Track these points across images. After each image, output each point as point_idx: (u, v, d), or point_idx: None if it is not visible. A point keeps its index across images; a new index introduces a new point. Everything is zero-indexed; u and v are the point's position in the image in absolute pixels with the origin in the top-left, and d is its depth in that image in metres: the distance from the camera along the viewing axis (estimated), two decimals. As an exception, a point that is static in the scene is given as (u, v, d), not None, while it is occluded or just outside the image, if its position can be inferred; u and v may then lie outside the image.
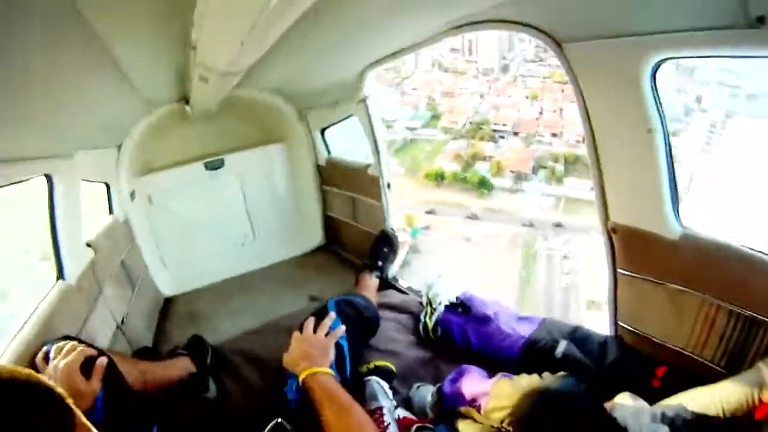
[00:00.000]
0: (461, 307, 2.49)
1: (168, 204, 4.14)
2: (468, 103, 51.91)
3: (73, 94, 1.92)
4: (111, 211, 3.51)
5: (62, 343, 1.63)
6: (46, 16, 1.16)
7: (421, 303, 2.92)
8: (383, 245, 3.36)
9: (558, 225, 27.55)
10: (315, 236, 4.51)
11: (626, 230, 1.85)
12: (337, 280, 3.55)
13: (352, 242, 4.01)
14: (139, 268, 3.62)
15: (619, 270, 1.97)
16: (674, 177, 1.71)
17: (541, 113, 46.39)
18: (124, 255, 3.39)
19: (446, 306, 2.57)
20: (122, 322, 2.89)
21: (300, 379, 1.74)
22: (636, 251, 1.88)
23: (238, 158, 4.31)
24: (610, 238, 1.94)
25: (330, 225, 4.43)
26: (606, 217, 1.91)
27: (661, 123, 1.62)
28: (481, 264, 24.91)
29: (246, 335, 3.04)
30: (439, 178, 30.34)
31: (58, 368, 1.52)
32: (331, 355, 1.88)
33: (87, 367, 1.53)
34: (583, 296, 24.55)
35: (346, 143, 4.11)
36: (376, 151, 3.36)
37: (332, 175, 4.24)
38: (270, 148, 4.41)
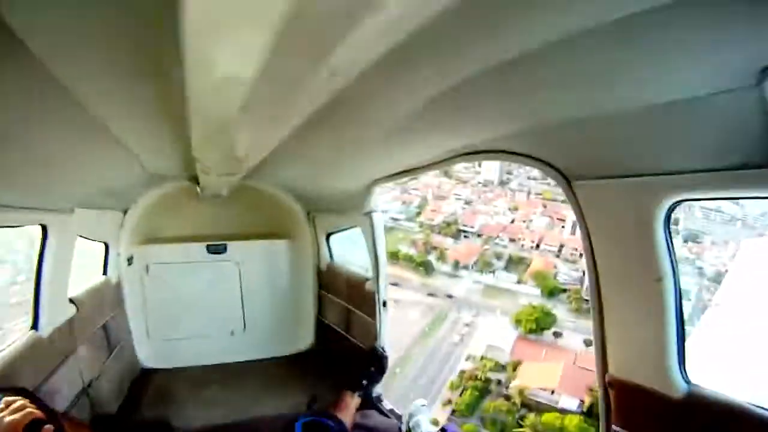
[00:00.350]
0: None
1: (164, 277, 4.17)
2: (452, 206, 62.01)
3: (64, 156, 1.88)
4: (105, 272, 3.60)
5: (13, 398, 1.53)
6: (29, 88, 1.16)
7: (400, 429, 2.92)
8: (371, 365, 3.23)
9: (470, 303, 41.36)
10: (306, 339, 4.50)
11: (625, 385, 1.69)
12: (320, 389, 3.44)
13: (342, 353, 3.97)
14: (121, 334, 3.65)
15: (613, 427, 1.78)
16: (683, 329, 1.56)
17: (512, 222, 56.42)
18: (109, 318, 3.43)
19: None
20: (89, 384, 2.87)
21: None
22: (634, 408, 1.70)
23: (241, 247, 4.40)
24: (606, 392, 1.78)
25: (322, 331, 4.41)
26: (604, 369, 1.76)
27: (673, 271, 1.49)
28: (400, 319, 34.82)
29: (212, 429, 3.04)
30: (394, 256, 41.96)
31: (2, 423, 1.45)
32: None
33: (32, 429, 1.44)
34: (466, 351, 36.19)
35: (352, 249, 4.12)
36: (376, 267, 3.39)
37: (331, 282, 4.29)
38: (275, 243, 4.50)
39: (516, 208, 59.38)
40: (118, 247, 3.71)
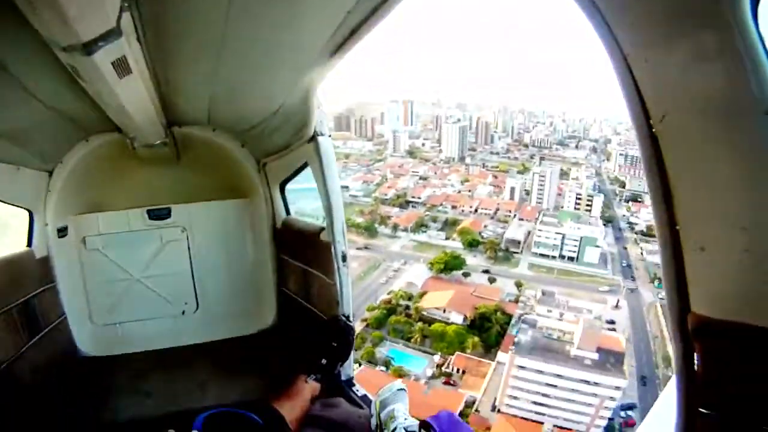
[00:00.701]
0: None
1: (104, 251, 3.57)
2: (407, 181, 72.37)
3: None
4: (29, 244, 3.08)
5: None
6: None
7: (370, 423, 2.15)
8: (331, 338, 2.60)
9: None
10: (267, 315, 3.81)
11: (723, 326, 1.01)
12: (280, 374, 2.67)
13: (307, 329, 3.28)
14: (50, 315, 3.10)
15: (700, 386, 1.10)
16: None
17: (458, 192, 66.80)
18: (32, 296, 2.92)
19: None
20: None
21: None
22: (736, 358, 1.03)
23: (186, 210, 3.73)
24: (685, 343, 1.09)
25: (285, 303, 3.73)
26: (681, 310, 1.08)
27: None
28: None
29: (143, 424, 2.67)
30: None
31: None
32: None
33: None
34: (390, 288, 50.12)
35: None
36: (329, 210, 2.68)
37: (288, 241, 3.63)
38: (224, 203, 3.82)
39: (466, 180, 70.23)
40: (45, 215, 3.14)
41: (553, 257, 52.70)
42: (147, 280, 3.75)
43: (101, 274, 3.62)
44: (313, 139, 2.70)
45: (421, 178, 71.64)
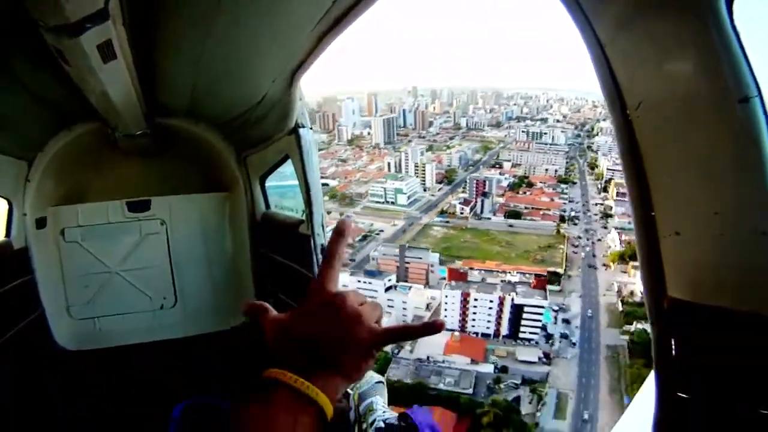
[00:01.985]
0: None
1: (83, 243, 3.37)
2: (328, 163, 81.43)
3: None
4: (8, 234, 2.88)
5: None
6: None
7: (348, 417, 1.97)
8: None
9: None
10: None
11: (700, 311, 0.98)
12: (258, 370, 1.92)
13: None
14: (27, 309, 2.88)
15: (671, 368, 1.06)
16: None
17: (357, 168, 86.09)
18: (7, 289, 2.72)
19: (382, 428, 1.70)
20: None
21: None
22: (708, 342, 1.00)
23: (167, 202, 3.53)
24: (661, 326, 1.06)
25: (263, 297, 3.46)
26: (657, 292, 1.06)
27: (756, 85, 0.86)
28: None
29: (121, 419, 2.51)
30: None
31: None
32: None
33: None
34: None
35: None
36: (309, 203, 2.55)
37: (267, 235, 3.46)
38: (204, 196, 3.64)
39: (371, 161, 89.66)
40: (24, 205, 2.93)
41: (378, 202, 70.27)
42: (126, 273, 3.51)
43: (79, 267, 3.36)
44: (294, 131, 2.55)
45: (340, 160, 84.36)
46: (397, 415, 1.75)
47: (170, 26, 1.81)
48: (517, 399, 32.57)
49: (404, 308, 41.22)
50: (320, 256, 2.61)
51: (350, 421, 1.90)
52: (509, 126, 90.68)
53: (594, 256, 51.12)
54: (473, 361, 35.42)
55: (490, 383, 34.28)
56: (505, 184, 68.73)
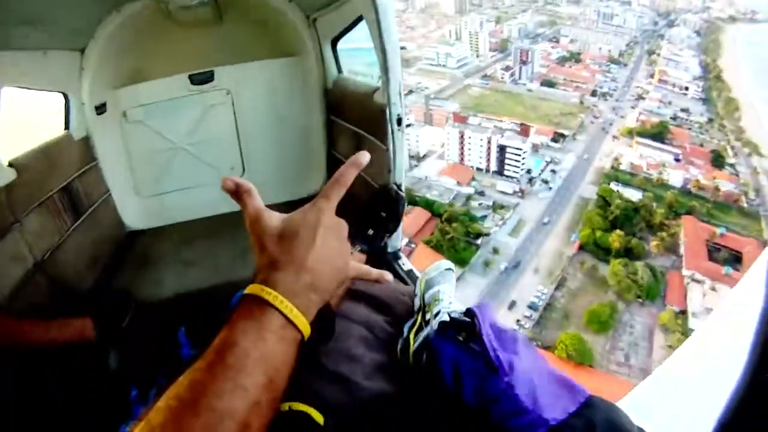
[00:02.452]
0: (467, 333, 1.33)
1: (147, 122, 3.10)
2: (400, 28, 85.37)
3: None
4: (67, 126, 2.64)
5: None
6: None
7: (413, 303, 1.75)
8: (379, 207, 2.40)
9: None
10: (316, 179, 3.37)
11: None
12: None
13: (355, 196, 2.16)
14: (94, 195, 2.71)
15: None
16: None
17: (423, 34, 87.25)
18: (73, 179, 2.57)
19: (446, 322, 1.41)
20: (44, 258, 2.20)
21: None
22: None
23: (231, 72, 3.15)
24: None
25: (334, 167, 3.04)
26: None
27: None
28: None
29: (188, 296, 2.35)
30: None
31: None
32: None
33: None
34: None
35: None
36: (386, 71, 2.14)
37: (340, 102, 3.08)
38: (272, 62, 3.22)
39: (439, 28, 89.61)
40: (81, 94, 2.72)
41: (431, 64, 69.28)
42: (191, 147, 3.29)
43: (144, 146, 3.16)
44: None
45: (408, 27, 77.94)
46: (463, 309, 1.47)
47: None
48: (484, 217, 39.19)
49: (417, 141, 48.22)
50: (395, 127, 2.27)
51: (414, 308, 1.71)
52: (588, 4, 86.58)
53: (610, 125, 54.62)
54: (458, 184, 42.07)
55: (464, 200, 41.29)
56: (554, 57, 70.30)
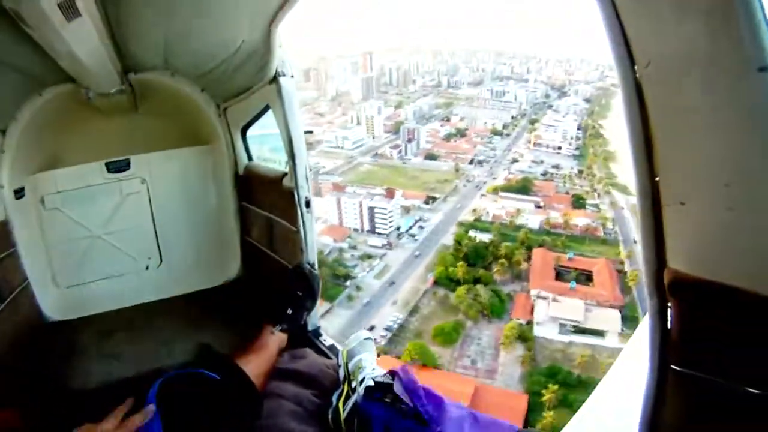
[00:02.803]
0: (390, 394, 1.56)
1: (64, 209, 3.02)
2: (305, 115, 79.72)
3: None
4: None
5: None
6: None
7: (338, 373, 1.94)
8: (296, 287, 2.40)
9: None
10: (232, 267, 3.38)
11: (700, 286, 0.92)
12: (246, 326, 2.37)
13: (271, 278, 2.92)
14: (12, 283, 2.65)
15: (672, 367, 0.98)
16: None
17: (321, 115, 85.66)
18: None
19: (371, 387, 1.64)
20: None
21: None
22: (713, 322, 0.95)
23: (146, 160, 3.17)
24: (661, 301, 0.99)
25: (248, 253, 3.30)
26: (658, 264, 0.98)
27: None
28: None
29: (111, 387, 2.26)
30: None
31: None
32: None
33: None
34: None
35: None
36: (292, 155, 2.32)
37: (251, 188, 3.16)
38: (185, 151, 3.28)
39: (343, 114, 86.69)
40: (1, 177, 2.66)
41: (331, 146, 75.19)
42: (109, 236, 3.22)
43: (62, 234, 3.04)
44: (275, 80, 2.31)
45: (317, 113, 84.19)
46: (385, 372, 1.67)
47: None
48: (355, 265, 45.31)
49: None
50: (304, 209, 2.43)
51: (340, 378, 1.84)
52: (486, 84, 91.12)
53: (483, 185, 58.15)
54: (335, 241, 48.27)
55: (337, 252, 47.01)
56: (442, 134, 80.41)
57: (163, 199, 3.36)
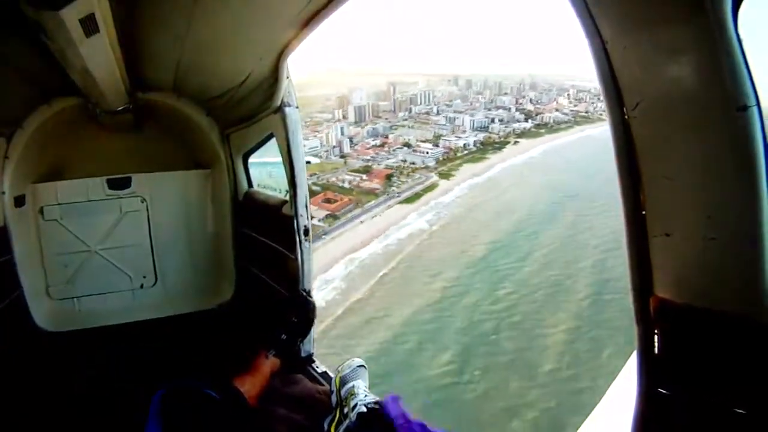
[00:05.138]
0: (381, 421, 1.61)
1: (62, 222, 2.98)
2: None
3: None
4: None
5: None
6: None
7: (331, 399, 1.98)
8: (291, 314, 2.43)
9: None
10: (226, 291, 3.36)
11: (684, 311, 0.97)
12: (239, 349, 2.38)
13: (263, 301, 2.94)
14: (6, 289, 2.52)
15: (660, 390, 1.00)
16: None
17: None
18: None
19: (364, 413, 1.69)
20: None
21: None
22: (698, 345, 1.00)
23: (148, 180, 3.17)
24: (646, 326, 1.04)
25: (243, 277, 3.29)
26: (643, 291, 1.03)
27: (755, 95, 0.83)
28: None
29: (101, 401, 2.22)
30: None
31: None
32: None
33: None
34: None
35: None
36: (293, 183, 2.36)
37: (250, 214, 3.17)
38: (187, 173, 3.30)
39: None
40: (3, 183, 2.63)
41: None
42: (105, 252, 3.18)
43: (59, 246, 3.00)
44: (280, 110, 2.35)
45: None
46: (377, 398, 1.72)
47: (156, 3, 1.63)
48: None
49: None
50: (303, 237, 2.47)
51: (332, 404, 1.87)
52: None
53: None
54: None
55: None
56: (369, 145, 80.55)
57: (161, 219, 3.36)
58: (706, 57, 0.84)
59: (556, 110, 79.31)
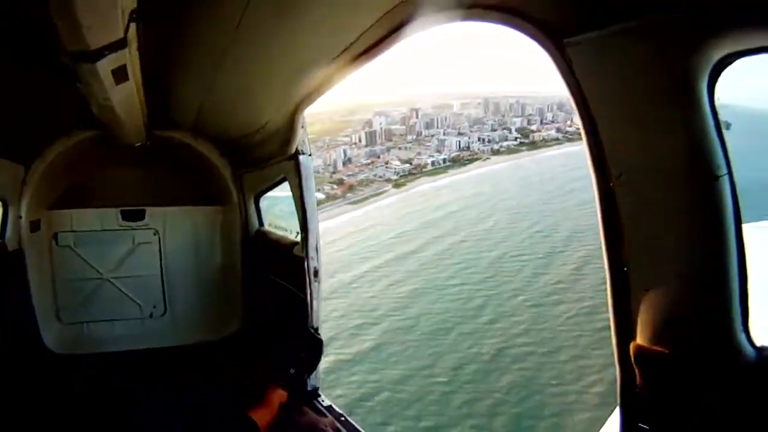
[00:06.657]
0: None
1: (76, 248, 3.12)
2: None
3: None
4: (2, 236, 2.66)
5: None
6: None
7: (339, 430, 2.09)
8: (299, 349, 2.54)
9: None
10: (233, 323, 3.48)
11: (659, 356, 1.07)
12: (245, 381, 2.53)
13: (271, 336, 3.06)
14: (18, 312, 2.61)
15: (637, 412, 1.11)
16: (743, 266, 0.94)
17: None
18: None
19: None
20: None
21: None
22: (672, 386, 1.10)
23: (161, 213, 3.32)
24: (626, 370, 1.12)
25: (250, 311, 3.43)
26: (624, 338, 1.12)
27: (728, 169, 0.91)
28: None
29: (106, 427, 2.27)
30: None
31: None
32: None
33: None
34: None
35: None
36: (305, 226, 2.49)
37: (260, 251, 3.31)
38: (200, 208, 3.47)
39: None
40: (20, 208, 2.77)
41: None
42: (117, 280, 3.29)
43: (71, 272, 3.11)
44: (294, 157, 2.48)
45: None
46: None
47: (186, 52, 1.69)
48: None
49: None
50: (312, 278, 2.56)
51: None
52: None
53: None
54: None
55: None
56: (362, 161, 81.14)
57: (173, 252, 3.43)
58: (687, 133, 0.91)
59: (557, 129, 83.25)
